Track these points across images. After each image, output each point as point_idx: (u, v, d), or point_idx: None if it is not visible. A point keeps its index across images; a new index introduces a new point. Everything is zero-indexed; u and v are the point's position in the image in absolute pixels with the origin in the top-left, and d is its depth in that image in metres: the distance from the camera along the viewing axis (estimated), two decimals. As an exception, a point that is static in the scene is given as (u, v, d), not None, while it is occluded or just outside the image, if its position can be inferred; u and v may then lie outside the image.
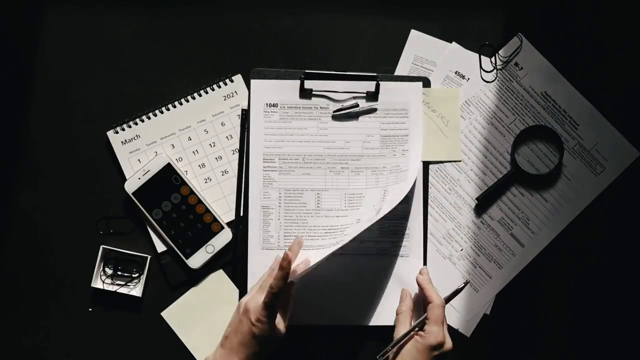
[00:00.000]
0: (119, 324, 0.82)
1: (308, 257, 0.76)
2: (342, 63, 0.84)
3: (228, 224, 0.82)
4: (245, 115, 0.83)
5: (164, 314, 0.82)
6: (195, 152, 0.83)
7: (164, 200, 0.81)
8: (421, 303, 0.78)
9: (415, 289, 0.80)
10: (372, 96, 0.83)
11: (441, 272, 0.83)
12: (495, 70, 0.85)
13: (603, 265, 0.84)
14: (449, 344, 0.74)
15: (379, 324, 0.81)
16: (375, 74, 0.82)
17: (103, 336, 0.82)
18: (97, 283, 0.81)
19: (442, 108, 0.84)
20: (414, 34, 0.85)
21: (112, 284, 0.82)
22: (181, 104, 0.83)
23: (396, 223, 0.82)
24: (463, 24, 0.85)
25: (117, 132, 0.82)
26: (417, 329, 0.75)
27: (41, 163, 0.82)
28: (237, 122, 0.83)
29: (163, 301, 0.82)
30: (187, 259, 0.81)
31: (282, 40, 0.84)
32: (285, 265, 0.70)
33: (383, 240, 0.82)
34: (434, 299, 0.75)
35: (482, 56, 0.85)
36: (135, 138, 0.82)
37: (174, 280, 0.82)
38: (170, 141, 0.83)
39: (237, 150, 0.83)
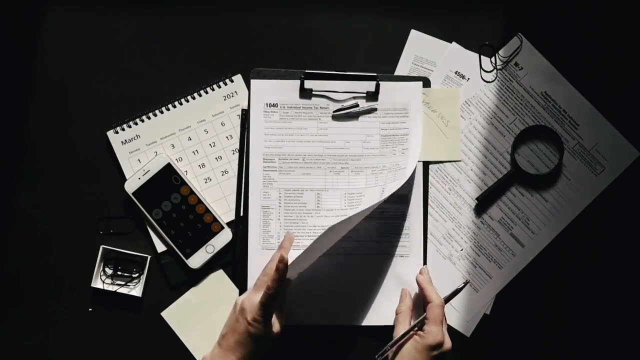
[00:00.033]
0: (119, 324, 0.82)
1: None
2: (342, 63, 0.84)
3: (228, 224, 0.82)
4: (245, 115, 0.83)
5: (164, 314, 0.82)
6: (195, 152, 0.83)
7: (164, 200, 0.81)
8: (421, 303, 0.78)
9: (415, 289, 0.80)
10: (372, 96, 0.83)
11: (441, 272, 0.83)
12: (495, 70, 0.85)
13: (603, 265, 0.84)
14: (448, 343, 0.74)
15: (378, 324, 0.81)
16: (375, 74, 0.82)
17: (103, 336, 0.82)
18: (97, 283, 0.81)
19: (442, 108, 0.84)
20: (414, 34, 0.85)
21: (112, 284, 0.82)
22: (181, 104, 0.83)
23: (396, 223, 0.82)
24: (463, 24, 0.85)
25: (117, 132, 0.82)
26: (416, 328, 0.75)
27: (41, 163, 0.82)
28: (237, 122, 0.83)
29: (163, 301, 0.82)
30: (187, 259, 0.81)
31: (282, 40, 0.84)
32: (281, 267, 0.70)
33: (383, 240, 0.82)
34: (433, 299, 0.75)
35: (482, 56, 0.85)
36: (135, 138, 0.82)
37: (174, 280, 0.82)
38: (170, 141, 0.83)
39: (237, 150, 0.83)
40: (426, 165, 0.83)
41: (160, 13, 0.84)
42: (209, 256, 0.81)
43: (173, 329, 0.82)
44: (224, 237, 0.82)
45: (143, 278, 0.81)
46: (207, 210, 0.81)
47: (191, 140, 0.83)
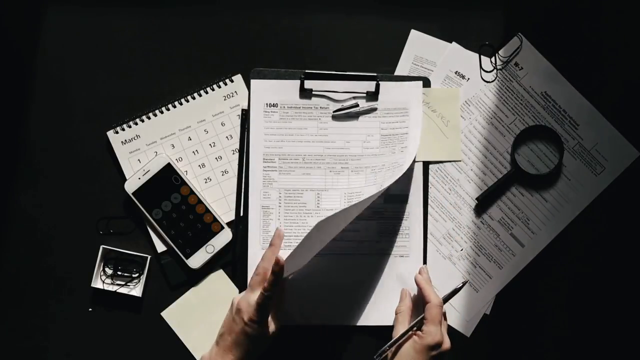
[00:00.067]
0: (119, 324, 0.82)
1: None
2: (342, 63, 0.84)
3: (228, 224, 0.82)
4: (245, 115, 0.83)
5: (164, 314, 0.82)
6: (195, 152, 0.83)
7: (164, 200, 0.81)
8: (421, 303, 0.78)
9: (415, 289, 0.80)
10: (372, 96, 0.83)
11: (441, 272, 0.83)
12: (495, 70, 0.85)
13: (603, 265, 0.84)
14: (447, 343, 0.74)
15: (378, 324, 0.81)
16: (375, 74, 0.82)
17: (103, 336, 0.82)
18: (97, 283, 0.81)
19: (442, 108, 0.84)
20: (414, 34, 0.85)
21: (112, 284, 0.82)
22: (181, 104, 0.83)
23: (396, 223, 0.82)
24: (463, 24, 0.85)
25: (117, 132, 0.82)
26: (415, 328, 0.75)
27: (41, 163, 0.82)
28: (237, 122, 0.83)
29: (163, 301, 0.82)
30: (187, 259, 0.81)
31: (282, 40, 0.84)
32: (277, 269, 0.70)
33: (383, 240, 0.82)
34: (431, 299, 0.75)
35: (482, 56, 0.85)
36: (135, 138, 0.82)
37: (174, 280, 0.82)
38: (170, 141, 0.83)
39: (237, 150, 0.83)
40: (426, 165, 0.83)
41: (160, 13, 0.84)
42: (209, 256, 0.81)
43: (173, 329, 0.82)
44: (224, 237, 0.82)
45: (143, 278, 0.81)
46: (207, 210, 0.81)
47: (191, 140, 0.83)
